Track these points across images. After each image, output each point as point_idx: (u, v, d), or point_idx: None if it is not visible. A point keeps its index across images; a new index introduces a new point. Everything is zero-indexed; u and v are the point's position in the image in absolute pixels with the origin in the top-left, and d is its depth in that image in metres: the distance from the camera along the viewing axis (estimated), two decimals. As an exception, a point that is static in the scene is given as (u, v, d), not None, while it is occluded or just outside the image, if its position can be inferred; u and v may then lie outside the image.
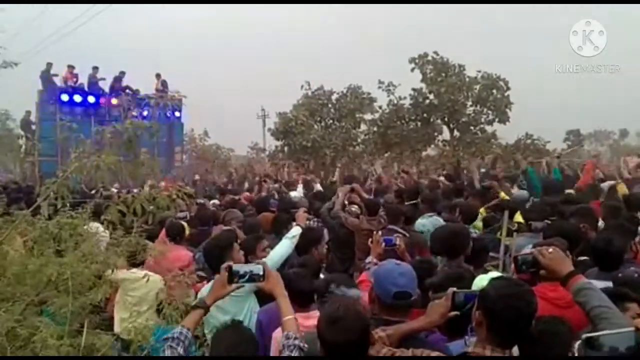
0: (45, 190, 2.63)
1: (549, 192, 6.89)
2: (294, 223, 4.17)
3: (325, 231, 5.41)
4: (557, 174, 8.77)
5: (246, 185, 11.74)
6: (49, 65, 17.56)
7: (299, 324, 2.17)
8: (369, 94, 20.99)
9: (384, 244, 3.87)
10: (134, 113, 17.45)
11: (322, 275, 3.65)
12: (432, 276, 2.91)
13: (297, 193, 8.73)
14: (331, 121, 21.52)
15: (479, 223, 5.43)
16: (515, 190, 7.71)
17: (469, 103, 18.41)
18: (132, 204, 2.67)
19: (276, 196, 8.21)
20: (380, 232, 4.07)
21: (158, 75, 19.00)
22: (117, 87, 18.20)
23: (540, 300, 2.08)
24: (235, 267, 2.28)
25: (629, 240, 3.65)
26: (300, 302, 2.85)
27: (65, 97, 16.99)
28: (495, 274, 2.85)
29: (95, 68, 18.18)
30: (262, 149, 33.77)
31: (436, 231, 3.94)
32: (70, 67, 17.73)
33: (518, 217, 5.41)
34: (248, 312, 3.33)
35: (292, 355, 2.00)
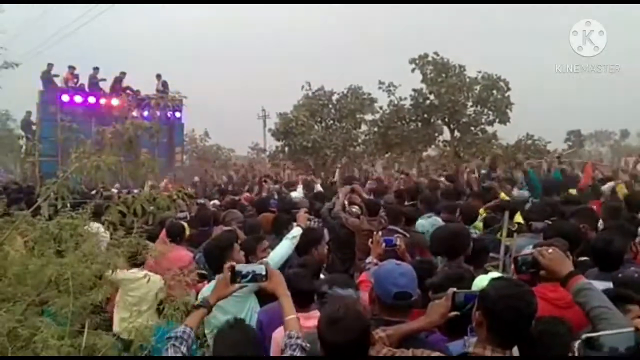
0: (46, 191, 2.63)
1: (549, 192, 6.90)
2: (295, 223, 4.17)
3: (326, 231, 5.42)
4: (558, 174, 8.79)
5: (246, 187, 11.73)
6: (50, 66, 17.62)
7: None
8: (369, 94, 21.02)
9: (384, 244, 3.87)
10: (135, 114, 17.44)
11: (322, 276, 3.65)
12: (432, 276, 2.91)
13: (297, 193, 8.73)
14: (332, 122, 21.55)
15: (479, 223, 5.44)
16: (515, 192, 7.72)
17: (470, 103, 18.45)
18: (133, 204, 2.67)
19: (275, 196, 8.20)
20: (380, 233, 4.07)
21: (158, 76, 19.02)
22: (118, 87, 18.22)
23: (541, 300, 2.09)
24: (238, 267, 2.29)
25: (629, 240, 3.65)
26: (300, 302, 2.84)
27: (65, 98, 17.02)
28: (495, 274, 2.84)
29: (96, 69, 18.24)
30: (262, 149, 33.79)
31: (436, 231, 3.94)
32: (71, 68, 17.81)
33: (518, 218, 5.42)
34: (248, 312, 3.33)
35: (295, 354, 2.00)
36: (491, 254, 4.29)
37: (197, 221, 5.96)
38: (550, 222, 4.46)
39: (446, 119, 18.52)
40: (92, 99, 17.43)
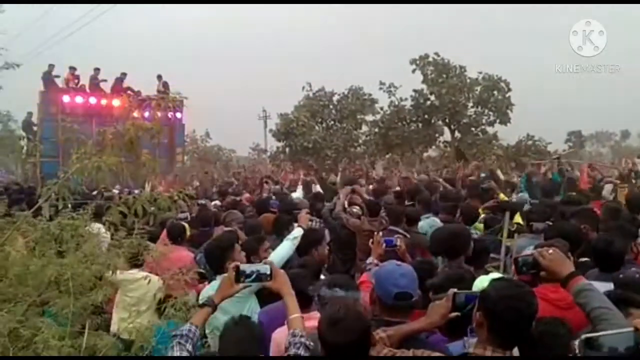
0: (47, 192, 2.64)
1: (548, 194, 6.91)
2: (296, 224, 4.18)
3: (327, 232, 5.42)
4: (556, 176, 8.79)
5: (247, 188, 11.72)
6: (51, 66, 17.64)
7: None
8: (370, 95, 21.04)
9: (384, 244, 3.86)
10: (136, 114, 17.44)
11: (322, 276, 3.65)
12: (433, 277, 2.91)
13: (297, 194, 8.72)
14: (332, 122, 21.58)
15: (480, 224, 5.44)
16: (514, 197, 7.71)
17: (470, 104, 18.48)
18: (133, 205, 2.68)
19: (274, 197, 8.18)
20: (380, 233, 4.07)
21: (159, 77, 19.03)
22: (119, 88, 18.23)
23: (541, 301, 2.08)
24: (243, 266, 2.29)
25: (630, 241, 3.65)
26: (300, 303, 2.84)
27: (66, 99, 17.03)
28: (496, 275, 2.84)
29: (97, 69, 18.26)
30: (263, 150, 33.84)
31: (436, 232, 3.94)
32: (72, 69, 17.84)
33: (517, 218, 5.42)
34: (248, 312, 3.32)
35: (299, 352, 2.01)
36: (492, 255, 4.29)
37: (198, 222, 5.97)
38: (550, 223, 4.46)
39: (447, 120, 18.55)
40: (93, 100, 17.43)
